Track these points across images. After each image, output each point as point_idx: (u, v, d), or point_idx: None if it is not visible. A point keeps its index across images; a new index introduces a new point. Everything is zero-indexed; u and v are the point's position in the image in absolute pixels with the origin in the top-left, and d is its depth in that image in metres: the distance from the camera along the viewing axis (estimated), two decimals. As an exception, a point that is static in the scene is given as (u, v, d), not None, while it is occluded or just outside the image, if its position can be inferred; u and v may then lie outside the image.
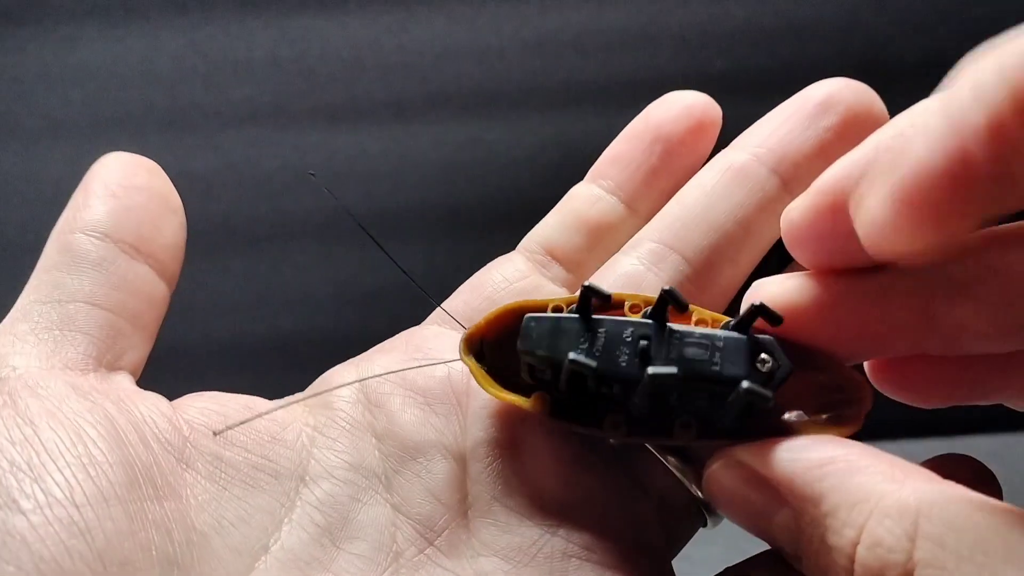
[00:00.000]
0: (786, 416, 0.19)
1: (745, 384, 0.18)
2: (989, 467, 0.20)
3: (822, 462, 0.17)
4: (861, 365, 0.21)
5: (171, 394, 0.21)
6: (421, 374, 0.22)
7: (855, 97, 0.22)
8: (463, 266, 0.25)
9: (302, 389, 0.23)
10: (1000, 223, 0.19)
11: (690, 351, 0.19)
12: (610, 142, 0.25)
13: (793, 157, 0.22)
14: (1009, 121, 0.14)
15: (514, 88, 0.48)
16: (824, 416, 0.19)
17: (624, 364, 0.19)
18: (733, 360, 0.19)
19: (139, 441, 0.19)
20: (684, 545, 0.22)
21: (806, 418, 0.19)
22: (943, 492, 0.15)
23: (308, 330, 0.51)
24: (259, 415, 0.20)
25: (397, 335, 0.23)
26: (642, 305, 0.20)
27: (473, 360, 0.21)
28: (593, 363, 0.19)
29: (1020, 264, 0.18)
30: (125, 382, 0.20)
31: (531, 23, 0.47)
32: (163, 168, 0.23)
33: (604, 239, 0.24)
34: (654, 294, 0.20)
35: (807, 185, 0.19)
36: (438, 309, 0.23)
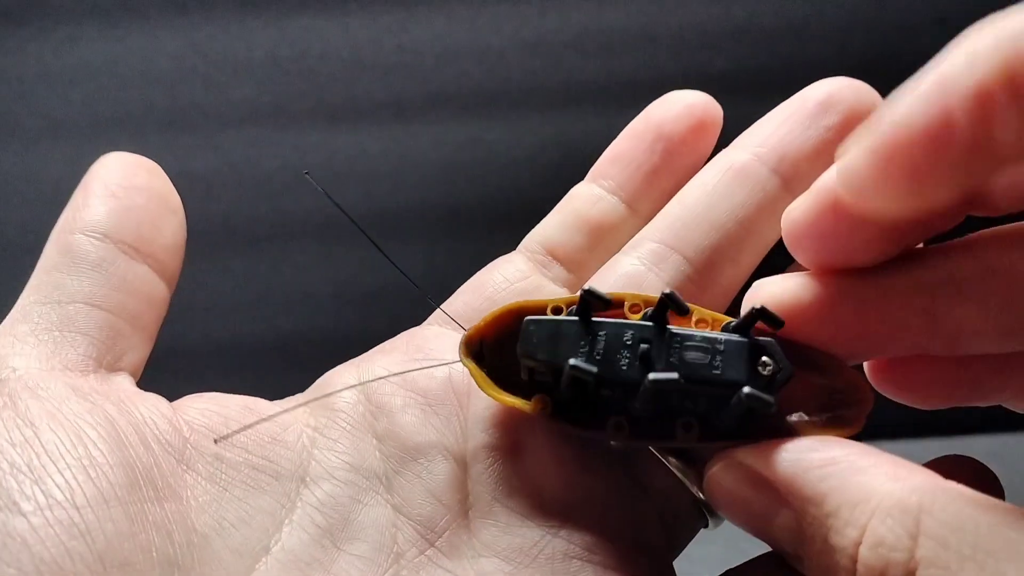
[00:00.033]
0: (787, 417, 0.19)
1: (746, 390, 0.18)
2: (989, 467, 0.20)
3: (823, 462, 0.17)
4: (861, 366, 0.21)
5: (171, 395, 0.21)
6: (422, 375, 0.22)
7: (856, 96, 0.22)
8: (463, 266, 0.25)
9: (302, 389, 0.23)
10: (1001, 223, 0.19)
11: (691, 355, 0.19)
12: (610, 142, 0.25)
13: (794, 157, 0.22)
14: (996, 91, 0.14)
15: (514, 88, 0.48)
16: (824, 417, 0.19)
17: (625, 368, 0.19)
18: (734, 364, 0.19)
19: (139, 442, 0.19)
20: (686, 546, 0.22)
21: (806, 419, 0.19)
22: (945, 491, 0.15)
23: (308, 330, 0.51)
24: (260, 421, 0.20)
25: (398, 335, 0.23)
26: (642, 305, 0.20)
27: (473, 363, 0.20)
28: (594, 369, 0.19)
29: (1021, 264, 0.18)
30: (125, 383, 0.20)
31: (531, 23, 0.47)
32: (163, 168, 0.23)
33: (605, 239, 0.24)
34: (655, 294, 0.20)
35: (808, 185, 0.19)
36: (441, 306, 0.23)
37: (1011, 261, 0.18)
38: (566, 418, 0.20)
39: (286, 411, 0.21)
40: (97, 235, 0.21)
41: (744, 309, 0.20)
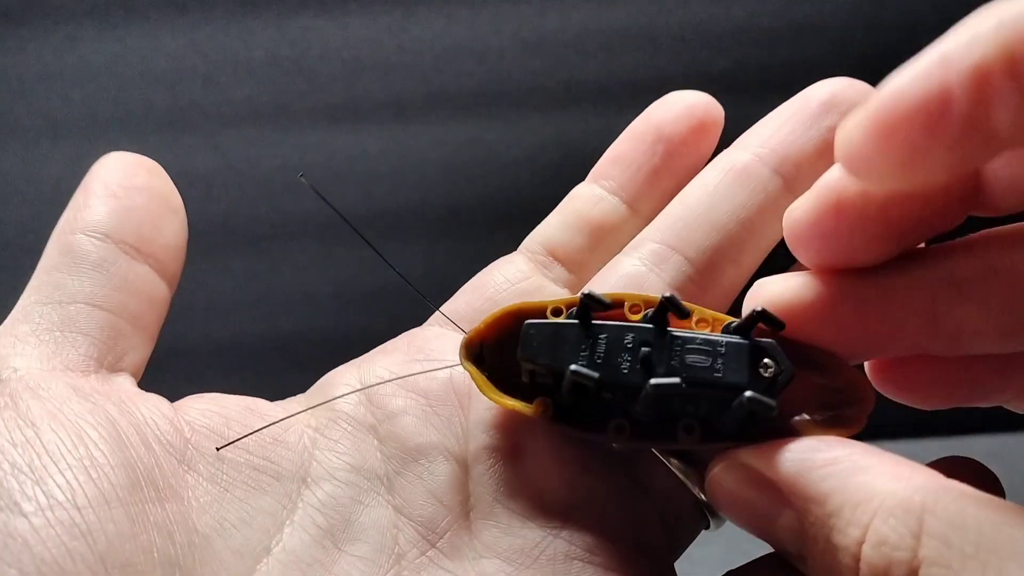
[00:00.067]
0: (788, 417, 0.19)
1: (748, 394, 0.18)
2: (988, 467, 0.20)
3: (825, 462, 0.17)
4: (861, 366, 0.21)
5: (171, 394, 0.21)
6: (423, 376, 0.22)
7: (858, 97, 0.22)
8: (463, 266, 0.25)
9: (302, 389, 0.23)
10: (1002, 224, 0.19)
11: (692, 357, 0.19)
12: (610, 142, 0.25)
13: (796, 157, 0.22)
14: (996, 72, 0.14)
15: (514, 88, 0.48)
16: (826, 416, 0.19)
17: (626, 372, 0.19)
18: (735, 366, 0.19)
19: (140, 443, 0.19)
20: (687, 547, 0.22)
21: (808, 419, 0.19)
22: (948, 490, 0.15)
23: (308, 330, 0.51)
24: (263, 427, 0.20)
25: (399, 336, 0.23)
26: (642, 306, 0.20)
27: (473, 366, 0.20)
28: (595, 375, 0.19)
29: (1022, 265, 0.18)
30: (126, 384, 0.20)
31: (531, 23, 0.47)
32: (163, 168, 0.23)
33: (606, 240, 0.24)
34: (656, 294, 0.20)
35: (809, 185, 0.19)
36: (441, 307, 0.23)
37: (1012, 261, 0.18)
38: (567, 421, 0.20)
39: (290, 416, 0.21)
40: (98, 235, 0.21)
41: (745, 309, 0.20)
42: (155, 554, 0.17)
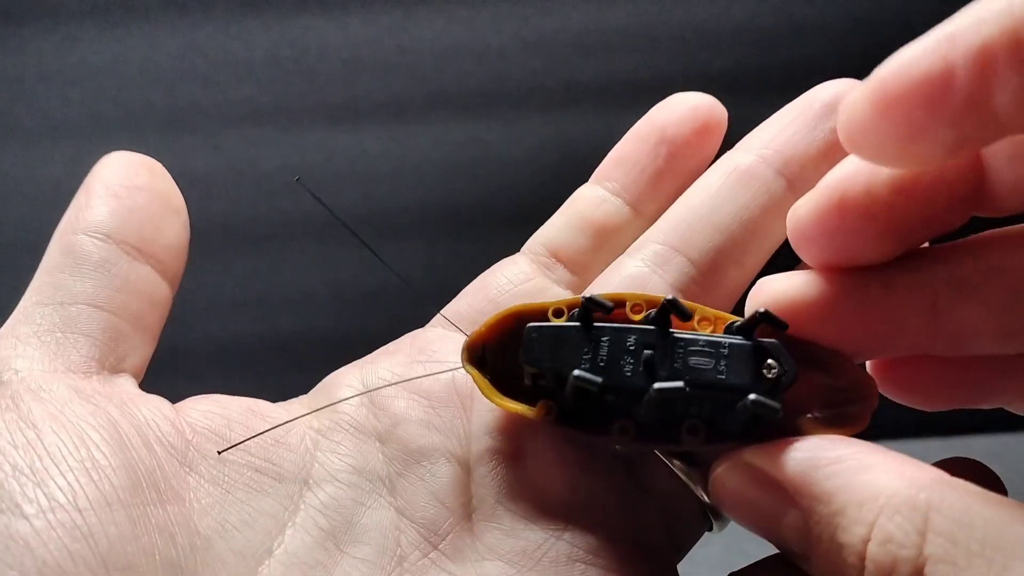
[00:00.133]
0: (791, 416, 0.19)
1: (753, 397, 0.18)
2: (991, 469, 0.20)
3: (830, 461, 0.17)
4: (863, 366, 0.21)
5: (172, 394, 0.21)
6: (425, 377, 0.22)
7: None
8: (464, 266, 0.25)
9: (303, 390, 0.23)
10: (1006, 224, 0.19)
11: (695, 359, 0.19)
12: (611, 142, 0.25)
13: (799, 158, 0.22)
14: (1000, 52, 0.15)
15: (514, 88, 0.48)
16: (829, 415, 0.19)
17: (629, 375, 0.19)
18: (739, 368, 0.19)
19: (142, 445, 0.19)
20: (690, 548, 0.22)
21: (811, 417, 0.19)
22: (953, 488, 0.15)
23: (308, 330, 0.51)
24: (266, 431, 0.20)
25: (401, 337, 0.23)
26: (644, 306, 0.20)
27: (475, 369, 0.20)
28: (599, 379, 0.19)
29: (1025, 265, 0.18)
30: (128, 385, 0.20)
31: (531, 23, 0.47)
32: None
33: (609, 241, 0.24)
34: (658, 294, 0.20)
35: (813, 186, 0.19)
36: (443, 308, 0.23)
37: (1015, 262, 0.18)
38: (571, 423, 0.20)
39: (295, 419, 0.21)
40: (99, 236, 0.21)
41: (748, 307, 0.19)
42: (156, 556, 0.17)
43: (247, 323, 0.50)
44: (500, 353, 0.21)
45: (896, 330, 0.19)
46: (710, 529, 0.22)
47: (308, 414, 0.21)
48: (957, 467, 0.19)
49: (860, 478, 0.16)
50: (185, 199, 0.22)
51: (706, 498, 0.21)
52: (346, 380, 0.22)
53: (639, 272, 0.22)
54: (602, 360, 0.19)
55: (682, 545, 0.22)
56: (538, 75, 0.47)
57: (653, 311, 0.20)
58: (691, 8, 0.47)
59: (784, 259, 0.21)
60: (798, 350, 0.19)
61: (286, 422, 0.21)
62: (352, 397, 0.21)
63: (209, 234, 0.47)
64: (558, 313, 0.20)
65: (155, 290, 0.21)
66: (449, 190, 0.49)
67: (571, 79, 0.48)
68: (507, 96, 0.48)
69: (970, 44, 0.15)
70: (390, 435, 0.21)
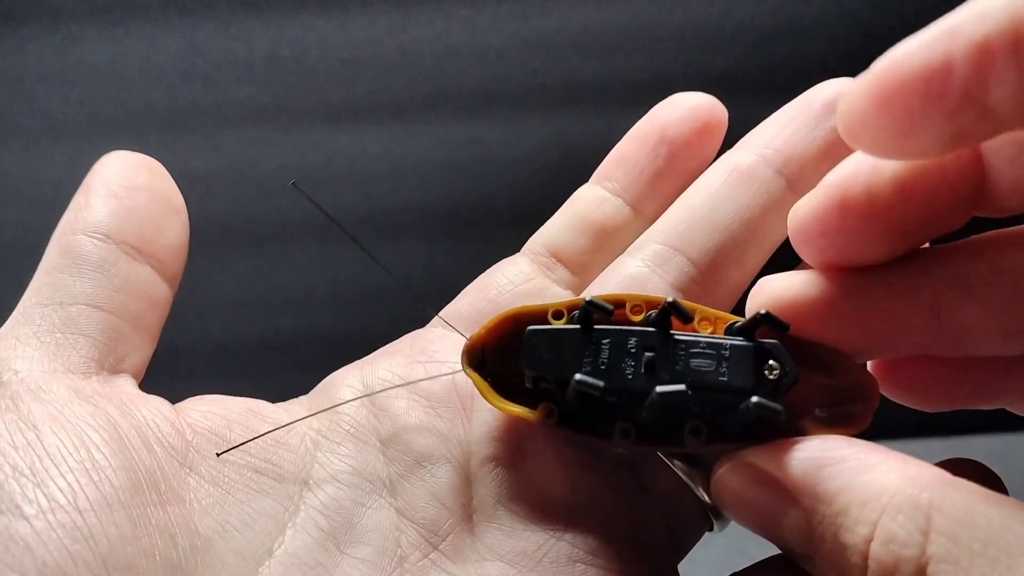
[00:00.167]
0: (793, 416, 0.19)
1: (755, 399, 0.18)
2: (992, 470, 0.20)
3: (832, 461, 0.17)
4: (864, 366, 0.21)
5: (172, 395, 0.21)
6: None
7: None
8: (463, 266, 0.25)
9: (303, 390, 0.23)
10: (1007, 225, 0.19)
11: (696, 362, 0.19)
12: (611, 142, 0.25)
13: (799, 158, 0.22)
14: (1000, 47, 0.15)
15: (514, 88, 0.48)
16: (831, 414, 0.19)
17: (631, 377, 0.19)
18: (740, 369, 0.19)
19: (142, 445, 0.19)
20: (690, 549, 0.22)
21: (813, 417, 0.19)
22: (955, 487, 0.15)
23: (308, 330, 0.51)
24: (267, 432, 0.20)
25: (402, 337, 0.23)
26: (644, 306, 0.20)
27: (475, 373, 0.20)
28: (600, 383, 0.19)
29: (1027, 266, 0.18)
30: (128, 385, 0.20)
31: (531, 23, 0.47)
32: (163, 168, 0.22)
33: (609, 241, 0.24)
34: (657, 295, 0.20)
35: (813, 186, 0.19)
36: (444, 308, 0.23)
37: (1017, 263, 0.18)
38: (572, 425, 0.20)
39: (296, 421, 0.21)
40: (99, 236, 0.21)
41: (749, 306, 0.19)
42: (157, 557, 0.17)
43: (247, 323, 0.50)
44: (500, 355, 0.21)
45: (897, 330, 0.19)
46: (711, 529, 0.22)
47: (309, 416, 0.21)
48: (958, 468, 0.19)
49: (862, 478, 0.16)
50: (185, 199, 0.22)
51: (707, 498, 0.21)
52: (346, 381, 0.22)
53: (639, 272, 0.22)
54: (603, 363, 0.19)
55: (682, 545, 0.22)
56: (538, 75, 0.47)
57: (653, 312, 0.20)
58: (691, 8, 0.47)
59: (784, 259, 0.21)
60: (799, 350, 0.19)
61: (287, 424, 0.21)
62: (353, 400, 0.21)
63: (209, 234, 0.47)
64: (557, 315, 0.20)
65: (155, 290, 0.21)
66: (449, 190, 0.49)
67: (571, 79, 0.48)
68: (507, 96, 0.48)
69: (970, 37, 0.15)
70: (390, 436, 0.21)
